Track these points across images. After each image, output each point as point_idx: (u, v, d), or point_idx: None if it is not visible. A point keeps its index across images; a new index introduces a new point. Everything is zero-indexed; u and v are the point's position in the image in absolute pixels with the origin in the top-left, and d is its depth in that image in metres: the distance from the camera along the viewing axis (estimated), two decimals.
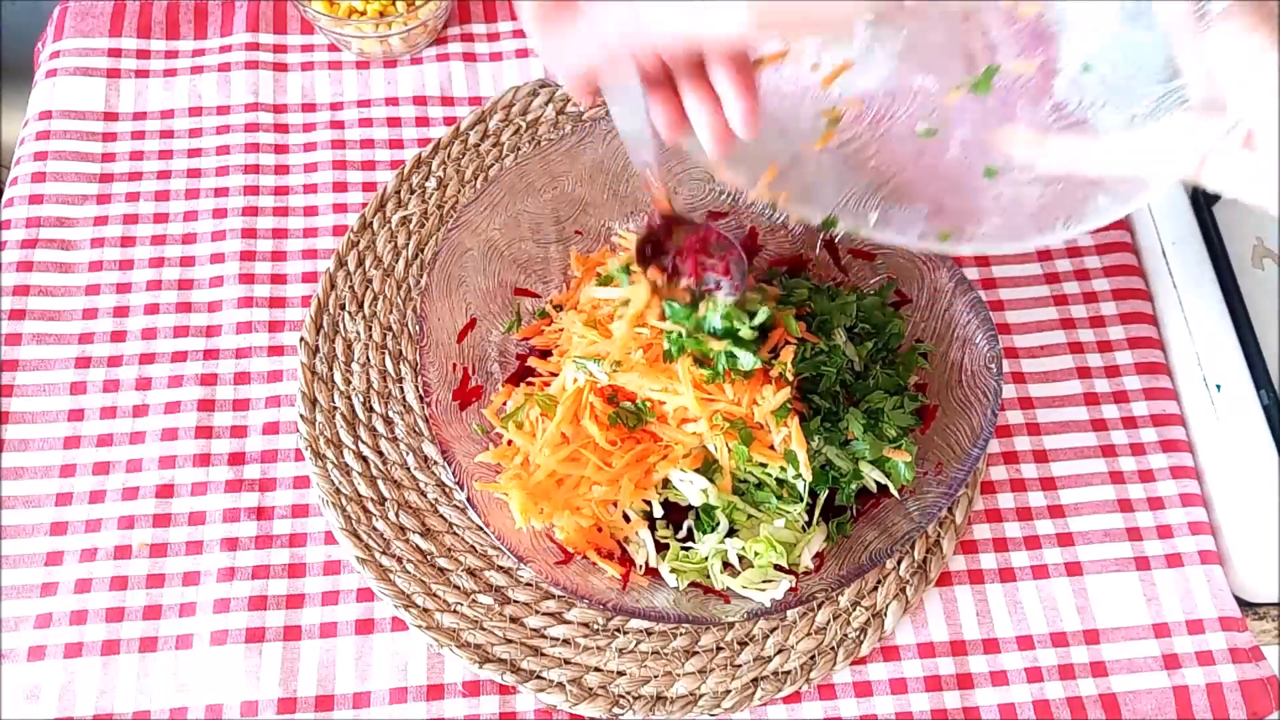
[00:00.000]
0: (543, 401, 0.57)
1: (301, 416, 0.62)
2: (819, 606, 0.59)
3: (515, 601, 0.58)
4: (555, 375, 0.59)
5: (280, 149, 0.73)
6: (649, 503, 0.57)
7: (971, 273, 0.70)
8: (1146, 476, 0.63)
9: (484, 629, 0.57)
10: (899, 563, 0.60)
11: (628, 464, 0.55)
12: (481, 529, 0.60)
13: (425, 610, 0.57)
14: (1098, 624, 0.59)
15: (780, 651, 0.57)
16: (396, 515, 0.60)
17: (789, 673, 0.57)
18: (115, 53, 0.75)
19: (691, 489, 0.56)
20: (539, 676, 0.56)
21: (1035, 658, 0.58)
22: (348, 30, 0.73)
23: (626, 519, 0.58)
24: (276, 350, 0.65)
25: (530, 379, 0.62)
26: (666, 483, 0.57)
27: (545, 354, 0.63)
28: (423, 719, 0.55)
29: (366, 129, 0.74)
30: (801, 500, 0.57)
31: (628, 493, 0.56)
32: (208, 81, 0.75)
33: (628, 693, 0.56)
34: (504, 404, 0.60)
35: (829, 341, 0.59)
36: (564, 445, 0.56)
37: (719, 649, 0.58)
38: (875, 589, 0.59)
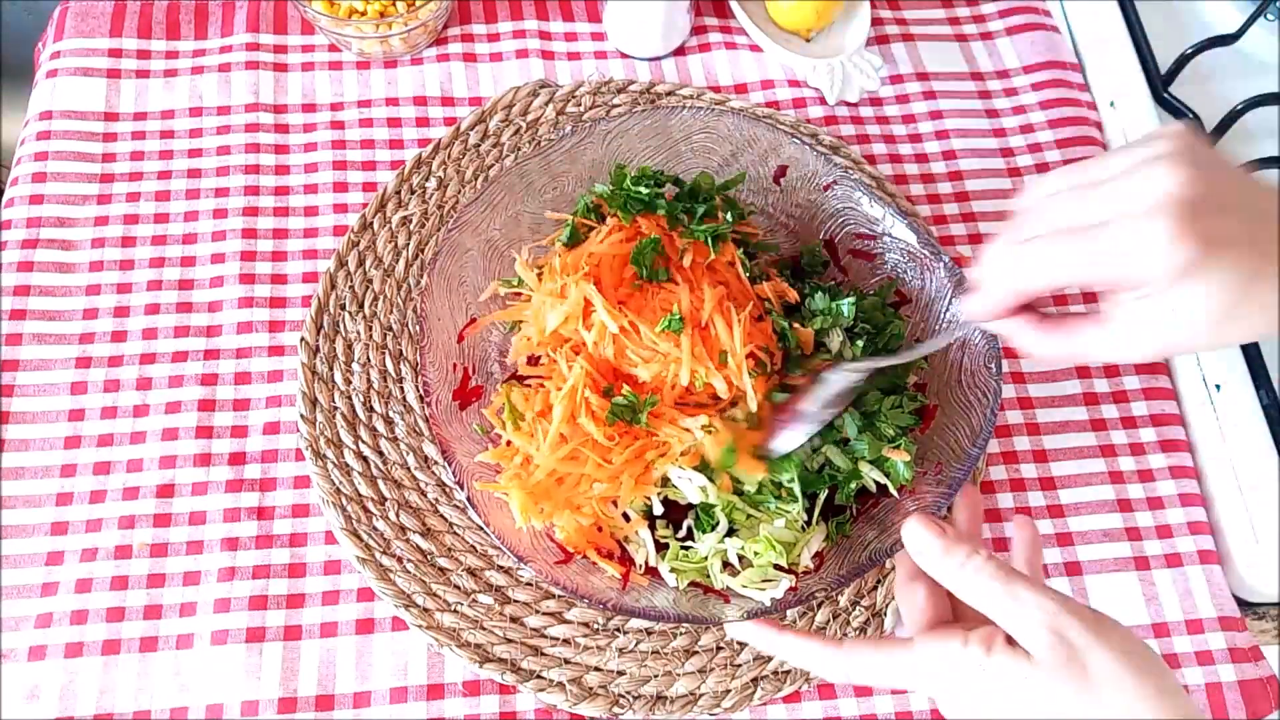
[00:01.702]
0: (519, 400, 0.57)
1: (302, 416, 0.63)
2: (819, 606, 0.59)
3: (515, 601, 0.58)
4: (548, 378, 0.59)
5: (280, 149, 0.73)
6: (649, 500, 0.57)
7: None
8: (1146, 476, 0.64)
9: (484, 629, 0.57)
10: None
11: (627, 460, 0.55)
12: (482, 529, 0.60)
13: (425, 610, 0.58)
14: None
15: None
16: (397, 515, 0.60)
17: (789, 672, 0.57)
18: (116, 53, 0.75)
19: (690, 486, 0.56)
20: (539, 676, 0.56)
21: None
22: (348, 31, 0.73)
23: (626, 518, 0.58)
24: (277, 350, 0.66)
25: (528, 380, 0.62)
26: (666, 481, 0.57)
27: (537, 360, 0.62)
28: (423, 719, 0.55)
29: (367, 129, 0.74)
30: (798, 501, 0.57)
31: (628, 489, 0.56)
32: (208, 82, 0.75)
33: (628, 692, 0.56)
34: (504, 404, 0.60)
35: (827, 352, 0.59)
36: (563, 444, 0.56)
37: (719, 648, 0.58)
38: (875, 588, 0.59)
